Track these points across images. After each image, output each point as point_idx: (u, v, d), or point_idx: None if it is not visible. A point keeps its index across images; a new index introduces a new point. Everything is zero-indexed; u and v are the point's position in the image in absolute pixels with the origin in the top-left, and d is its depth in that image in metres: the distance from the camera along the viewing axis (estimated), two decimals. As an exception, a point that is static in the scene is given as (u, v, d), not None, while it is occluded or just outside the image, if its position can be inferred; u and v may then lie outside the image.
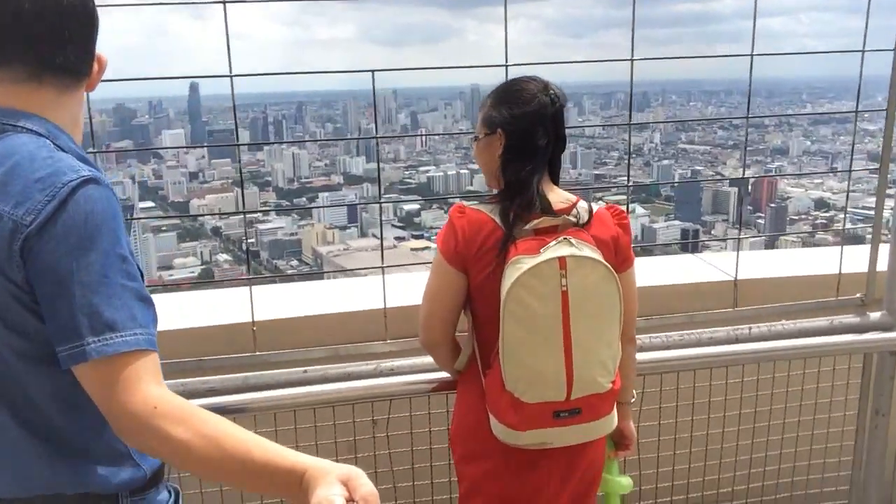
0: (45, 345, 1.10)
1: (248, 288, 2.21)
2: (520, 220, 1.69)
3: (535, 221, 1.68)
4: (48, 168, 1.12)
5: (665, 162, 29.00)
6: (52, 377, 1.12)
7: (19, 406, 1.17)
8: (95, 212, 1.10)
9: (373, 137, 2.29)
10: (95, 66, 1.28)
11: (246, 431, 1.08)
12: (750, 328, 2.30)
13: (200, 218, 28.84)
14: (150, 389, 1.07)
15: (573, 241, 1.64)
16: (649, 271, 2.63)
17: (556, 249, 1.62)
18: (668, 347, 2.21)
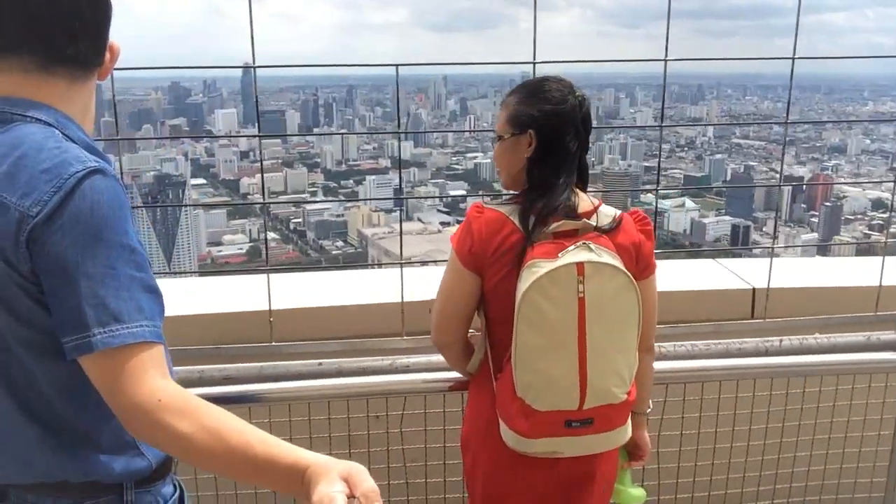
0: (50, 335, 1.10)
1: (280, 274, 2.21)
2: (539, 222, 1.66)
3: (555, 224, 1.62)
4: (55, 159, 1.11)
5: (718, 156, 28.44)
6: (58, 367, 1.12)
7: (24, 394, 1.18)
8: (102, 202, 1.10)
9: (393, 132, 2.26)
10: (107, 56, 1.26)
11: (249, 426, 1.07)
12: (780, 340, 2.20)
13: (249, 196, 29.31)
14: (156, 381, 1.07)
15: (592, 246, 1.59)
16: (676, 275, 2.55)
17: (574, 254, 1.57)
18: (693, 357, 2.14)
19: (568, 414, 1.61)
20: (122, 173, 2.72)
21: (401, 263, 2.19)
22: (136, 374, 1.07)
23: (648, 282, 1.72)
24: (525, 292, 1.55)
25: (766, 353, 2.18)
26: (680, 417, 2.25)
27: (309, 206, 28.24)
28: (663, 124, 2.44)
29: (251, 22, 1.94)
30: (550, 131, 1.70)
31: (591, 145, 1.77)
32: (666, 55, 2.12)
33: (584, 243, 1.59)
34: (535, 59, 2.07)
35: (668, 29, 2.09)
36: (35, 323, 1.12)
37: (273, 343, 2.15)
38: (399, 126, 2.60)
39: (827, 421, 2.38)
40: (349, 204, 28.92)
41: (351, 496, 0.94)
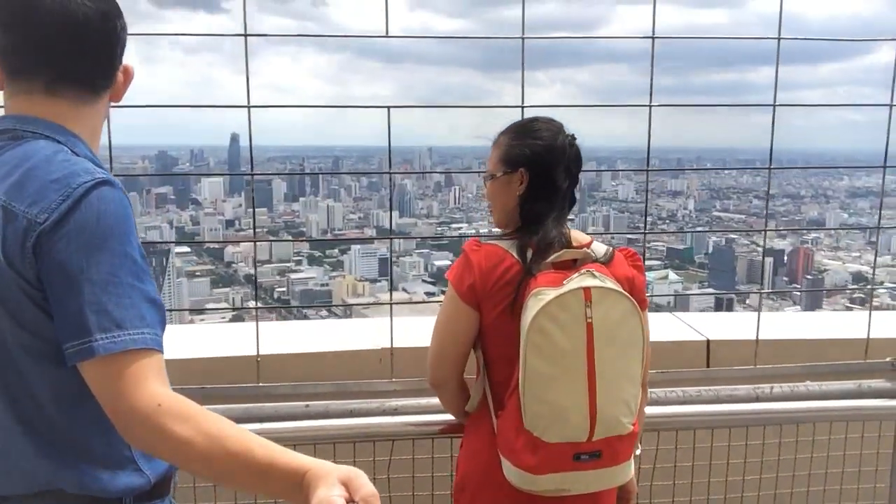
0: (53, 343, 1.12)
1: (260, 322, 2.19)
2: (538, 254, 1.68)
3: (557, 254, 1.66)
4: (64, 170, 1.15)
5: (699, 228, 28.77)
6: (59, 376, 1.13)
7: (21, 402, 1.18)
8: (108, 212, 1.13)
9: (386, 172, 2.29)
10: (120, 77, 1.31)
11: (249, 432, 1.08)
12: (772, 387, 2.21)
13: (234, 265, 29.19)
14: (155, 388, 1.08)
15: (596, 273, 1.62)
16: (669, 326, 2.56)
17: (580, 280, 1.59)
18: (684, 402, 2.13)
19: (577, 446, 1.59)
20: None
21: (391, 304, 2.18)
22: (136, 379, 1.07)
23: (642, 316, 1.73)
24: (533, 319, 1.55)
25: (758, 399, 2.18)
26: (672, 466, 2.22)
27: (294, 276, 28.14)
28: (649, 168, 2.48)
29: (247, 70, 1.97)
30: (542, 169, 1.75)
31: (579, 183, 1.82)
32: (651, 101, 2.17)
33: (587, 271, 1.62)
34: (523, 103, 2.13)
35: (651, 77, 2.14)
36: (38, 330, 1.14)
37: (260, 384, 2.12)
38: (390, 190, 2.62)
39: (822, 472, 2.35)
40: (334, 273, 28.85)
41: (350, 500, 0.94)
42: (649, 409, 1.93)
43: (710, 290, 27.34)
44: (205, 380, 2.18)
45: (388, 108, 2.13)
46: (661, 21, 2.24)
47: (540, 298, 1.57)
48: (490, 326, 1.71)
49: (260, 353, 2.25)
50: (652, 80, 2.19)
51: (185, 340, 2.57)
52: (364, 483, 0.98)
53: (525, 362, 1.57)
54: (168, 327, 2.89)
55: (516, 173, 1.78)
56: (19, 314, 1.14)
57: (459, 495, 1.83)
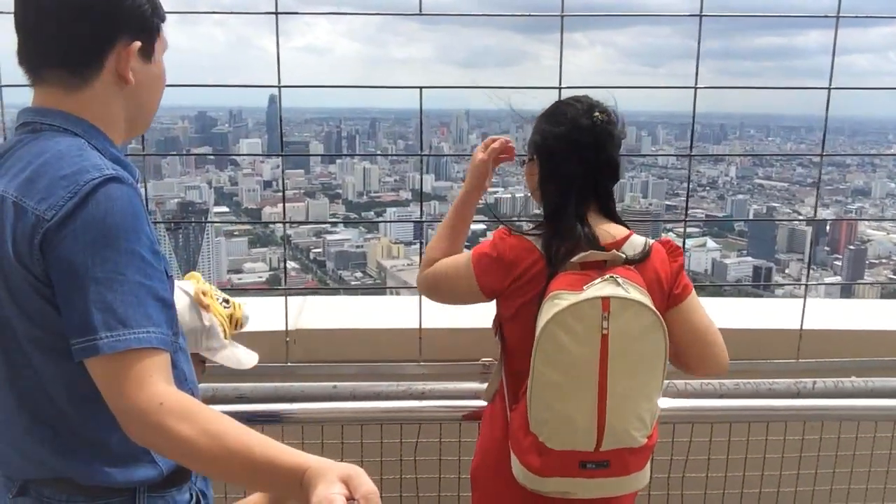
0: (62, 337, 1.12)
1: (298, 297, 2.18)
2: (565, 252, 1.56)
3: (582, 255, 1.54)
4: (74, 166, 1.14)
5: (740, 196, 28.25)
6: (71, 370, 1.13)
7: (32, 395, 1.20)
8: (115, 210, 1.12)
9: (417, 155, 2.23)
10: (112, 62, 1.24)
11: (250, 430, 1.08)
12: (814, 382, 2.11)
13: (271, 225, 29.57)
14: (158, 387, 1.08)
15: (620, 280, 1.50)
16: (711, 314, 2.48)
17: (599, 288, 1.48)
18: (721, 396, 2.05)
19: (583, 455, 1.52)
20: (146, 199, 2.73)
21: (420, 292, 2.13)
22: (139, 378, 1.07)
23: (687, 302, 1.63)
24: (545, 325, 1.47)
25: (798, 394, 2.09)
26: (706, 459, 2.16)
27: (329, 237, 28.37)
28: (692, 153, 2.38)
29: (278, 43, 1.92)
30: (551, 156, 1.64)
31: (620, 169, 1.69)
32: (696, 83, 2.05)
33: (611, 277, 1.50)
34: (560, 83, 2.03)
35: (697, 57, 2.03)
36: (47, 324, 1.14)
37: (289, 364, 2.11)
38: (422, 157, 2.58)
39: (864, 470, 2.27)
40: (369, 235, 29.01)
41: (350, 498, 0.93)
42: (684, 403, 1.87)
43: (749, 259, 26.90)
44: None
45: (420, 88, 2.06)
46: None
47: (555, 304, 1.48)
48: (511, 318, 1.66)
49: (290, 328, 2.24)
50: (698, 62, 2.06)
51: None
52: (364, 481, 0.97)
53: (534, 368, 1.51)
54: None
55: (534, 161, 1.68)
56: (30, 309, 1.15)
57: (473, 487, 1.81)
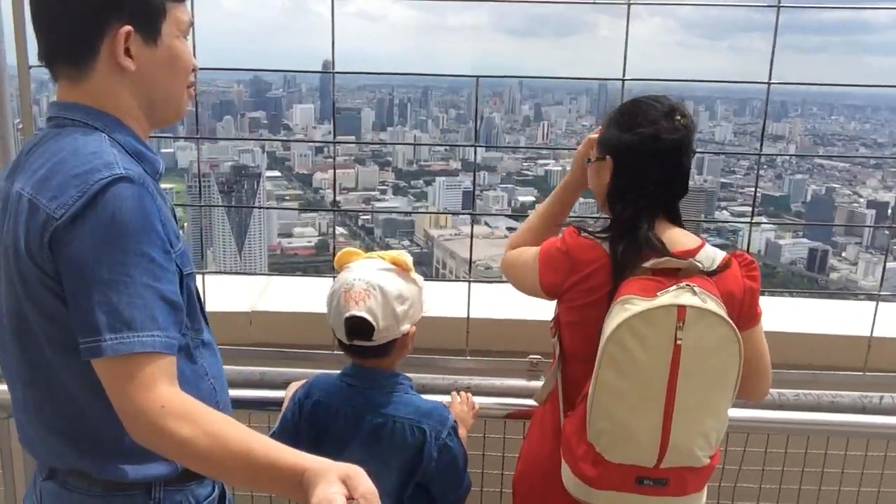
0: (73, 333, 1.13)
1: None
2: (634, 257, 1.49)
3: (657, 260, 1.46)
4: (87, 164, 1.14)
5: (798, 176, 27.43)
6: (81, 365, 1.14)
7: (49, 389, 1.23)
8: (123, 210, 1.11)
9: (471, 145, 2.24)
10: (107, 48, 1.20)
11: (251, 431, 1.09)
12: (881, 397, 1.98)
13: (321, 191, 29.79)
14: (161, 389, 1.10)
15: (697, 289, 1.41)
16: (768, 314, 2.42)
17: (675, 296, 1.40)
18: (780, 407, 1.94)
19: (641, 470, 1.46)
20: (199, 162, 2.79)
21: (468, 281, 2.15)
22: (142, 381, 1.10)
23: (755, 330, 1.56)
24: (614, 330, 1.41)
25: (864, 410, 1.97)
26: (760, 470, 2.08)
27: (378, 204, 28.49)
28: (762, 152, 2.30)
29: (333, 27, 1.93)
30: (629, 160, 1.55)
31: (691, 176, 1.62)
32: (769, 78, 1.95)
33: (687, 285, 1.42)
34: (623, 75, 1.95)
35: (773, 52, 1.93)
36: (60, 319, 1.16)
37: (335, 352, 2.15)
38: (475, 137, 2.55)
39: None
40: (417, 203, 29.01)
41: (350, 498, 0.94)
42: (740, 413, 1.80)
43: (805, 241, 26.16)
44: (284, 337, 2.23)
45: (477, 77, 2.03)
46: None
47: (626, 308, 1.41)
48: (572, 321, 1.60)
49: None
50: (773, 54, 1.93)
51: (269, 292, 2.60)
52: (363, 481, 0.97)
53: (598, 373, 1.43)
54: (248, 277, 2.89)
55: (605, 160, 1.58)
56: (44, 306, 1.17)
57: (517, 488, 1.75)
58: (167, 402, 1.09)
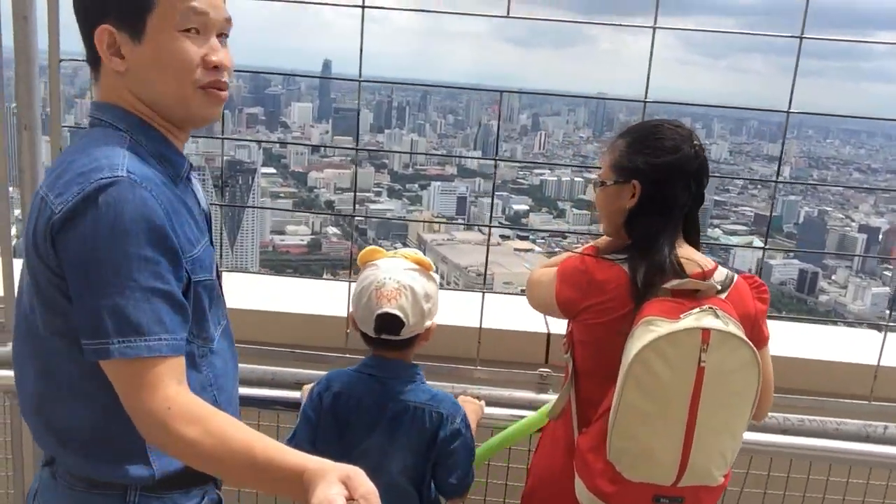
0: (74, 328, 1.13)
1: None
2: (654, 279, 1.51)
3: (678, 282, 1.49)
4: (93, 164, 1.14)
5: (792, 198, 27.64)
6: (76, 359, 1.14)
7: (48, 382, 1.23)
8: (124, 212, 1.10)
9: (491, 159, 2.21)
10: (97, 45, 1.20)
11: (255, 432, 1.10)
12: (886, 427, 1.98)
13: (315, 190, 29.81)
14: (168, 390, 1.10)
15: (719, 312, 1.44)
16: (781, 339, 2.38)
17: (698, 318, 1.42)
18: (784, 431, 1.96)
19: (659, 489, 1.48)
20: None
21: (483, 291, 2.13)
22: (150, 383, 1.11)
23: (763, 353, 1.57)
24: (639, 351, 1.42)
25: (868, 438, 1.97)
26: (762, 493, 2.10)
27: (372, 206, 28.53)
28: (778, 180, 2.31)
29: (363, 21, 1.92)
30: (657, 184, 1.57)
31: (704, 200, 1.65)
32: (789, 107, 1.95)
33: (710, 308, 1.44)
34: (646, 97, 1.95)
35: (794, 78, 1.93)
36: (64, 312, 1.16)
37: (347, 355, 2.12)
38: (496, 150, 2.52)
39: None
40: (412, 207, 29.08)
41: (350, 499, 0.94)
42: (745, 435, 1.83)
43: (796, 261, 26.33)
44: (295, 339, 2.21)
45: (501, 91, 2.04)
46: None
47: (651, 330, 1.42)
48: (586, 341, 1.62)
49: (329, 313, 2.25)
50: (794, 83, 1.96)
51: (278, 293, 2.59)
52: (363, 481, 0.97)
53: (621, 394, 1.44)
54: (265, 278, 2.87)
55: (628, 185, 1.58)
56: (48, 298, 1.17)
57: (527, 503, 1.76)
58: (174, 403, 1.10)
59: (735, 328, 1.44)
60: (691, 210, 1.62)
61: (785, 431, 1.96)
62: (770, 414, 1.92)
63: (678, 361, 1.41)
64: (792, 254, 26.48)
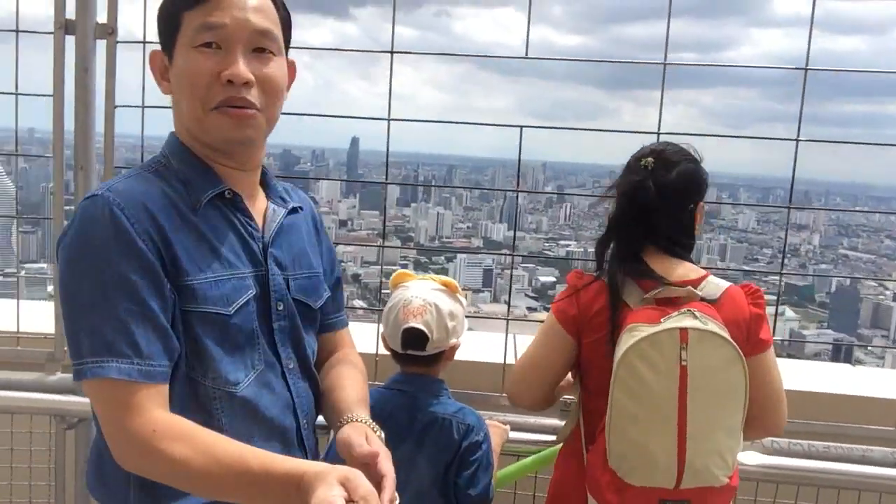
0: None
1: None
2: (633, 287, 1.61)
3: (657, 290, 1.58)
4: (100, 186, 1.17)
5: (823, 266, 27.28)
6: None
7: None
8: (94, 230, 1.10)
9: (502, 189, 2.29)
10: (151, 69, 1.26)
11: (242, 444, 1.07)
12: None
13: (343, 263, 30.08)
14: (150, 414, 1.07)
15: (697, 314, 1.51)
16: (799, 376, 2.39)
17: (677, 320, 1.50)
18: (809, 457, 1.98)
19: (662, 492, 1.52)
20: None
21: (507, 319, 2.21)
22: (134, 406, 1.07)
23: (765, 356, 1.62)
24: (623, 356, 1.50)
25: (895, 465, 1.99)
26: None
27: (399, 278, 28.60)
28: (791, 206, 2.36)
29: (391, 82, 2.04)
30: (624, 189, 1.69)
31: (683, 212, 1.69)
32: (795, 153, 2.02)
33: (688, 310, 1.52)
34: (659, 129, 2.05)
35: (802, 98, 2.01)
36: None
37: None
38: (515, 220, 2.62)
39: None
40: (438, 279, 29.09)
41: (350, 500, 0.94)
42: (770, 460, 1.83)
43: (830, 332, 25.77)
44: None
45: (521, 127, 2.14)
46: (796, 46, 2.08)
47: (633, 335, 1.49)
48: (586, 358, 1.69)
49: (379, 352, 2.31)
50: (801, 111, 2.05)
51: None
52: (362, 483, 0.96)
53: (613, 399, 1.51)
54: None
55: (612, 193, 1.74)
56: None
57: None
58: (157, 425, 1.07)
59: (715, 327, 1.50)
60: (661, 224, 1.67)
61: (810, 457, 1.98)
62: (794, 441, 1.94)
63: (661, 362, 1.48)
64: (826, 323, 25.98)
